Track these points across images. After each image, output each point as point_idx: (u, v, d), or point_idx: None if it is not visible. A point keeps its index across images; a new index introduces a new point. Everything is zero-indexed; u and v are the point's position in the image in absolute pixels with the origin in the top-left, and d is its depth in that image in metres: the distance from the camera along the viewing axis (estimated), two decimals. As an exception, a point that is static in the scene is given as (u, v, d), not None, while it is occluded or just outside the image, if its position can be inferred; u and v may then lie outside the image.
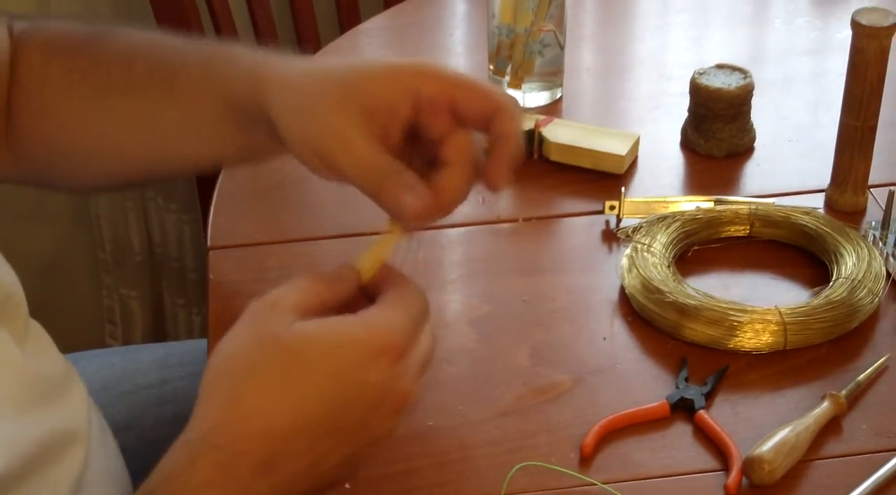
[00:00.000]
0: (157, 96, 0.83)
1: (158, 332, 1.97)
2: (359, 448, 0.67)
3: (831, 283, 0.92)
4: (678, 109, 1.14)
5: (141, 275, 1.90)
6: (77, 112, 0.86)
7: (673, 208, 1.01)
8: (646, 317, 0.92)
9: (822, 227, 0.97)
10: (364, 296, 0.70)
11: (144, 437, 0.98)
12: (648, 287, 0.92)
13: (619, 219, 1.02)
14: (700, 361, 0.88)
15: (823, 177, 1.05)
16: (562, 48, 1.17)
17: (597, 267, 0.99)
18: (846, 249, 0.95)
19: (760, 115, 1.12)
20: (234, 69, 0.80)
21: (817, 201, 1.04)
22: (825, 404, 0.83)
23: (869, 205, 1.03)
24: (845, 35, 1.28)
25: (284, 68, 0.78)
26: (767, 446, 0.79)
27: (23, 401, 0.76)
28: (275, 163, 1.12)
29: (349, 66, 0.76)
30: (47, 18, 0.88)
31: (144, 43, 0.85)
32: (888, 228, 0.97)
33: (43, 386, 0.79)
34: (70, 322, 1.86)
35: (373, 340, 0.65)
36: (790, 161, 1.11)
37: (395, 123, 0.73)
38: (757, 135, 1.12)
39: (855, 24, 0.96)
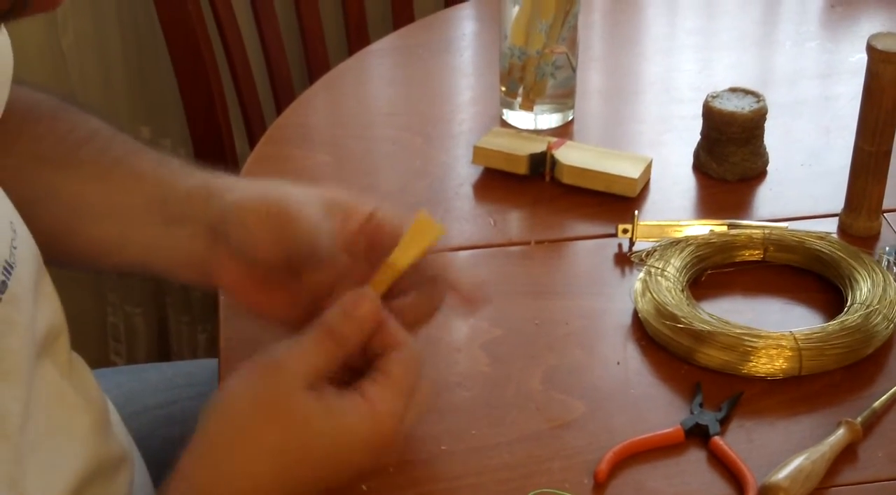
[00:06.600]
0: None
1: (163, 350, 1.96)
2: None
3: (846, 309, 0.92)
4: (689, 132, 1.14)
5: (145, 292, 1.90)
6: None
7: (686, 232, 1.01)
8: (659, 342, 0.91)
9: (837, 253, 0.97)
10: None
11: (152, 458, 0.97)
12: (662, 311, 0.91)
13: (631, 243, 1.01)
14: (714, 386, 0.88)
15: (836, 202, 1.05)
16: (574, 70, 1.17)
17: (609, 291, 0.98)
18: (861, 275, 0.94)
19: (772, 138, 1.12)
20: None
21: (830, 226, 1.04)
22: (841, 431, 0.83)
23: (883, 230, 1.03)
24: (857, 59, 1.29)
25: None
26: (783, 473, 0.78)
27: (75, 431, 0.79)
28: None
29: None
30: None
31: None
32: (903, 254, 0.97)
33: (91, 415, 0.82)
34: (74, 339, 1.85)
35: (373, 435, 0.70)
36: (803, 185, 1.11)
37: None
38: (770, 159, 1.12)
39: (870, 49, 0.95)
